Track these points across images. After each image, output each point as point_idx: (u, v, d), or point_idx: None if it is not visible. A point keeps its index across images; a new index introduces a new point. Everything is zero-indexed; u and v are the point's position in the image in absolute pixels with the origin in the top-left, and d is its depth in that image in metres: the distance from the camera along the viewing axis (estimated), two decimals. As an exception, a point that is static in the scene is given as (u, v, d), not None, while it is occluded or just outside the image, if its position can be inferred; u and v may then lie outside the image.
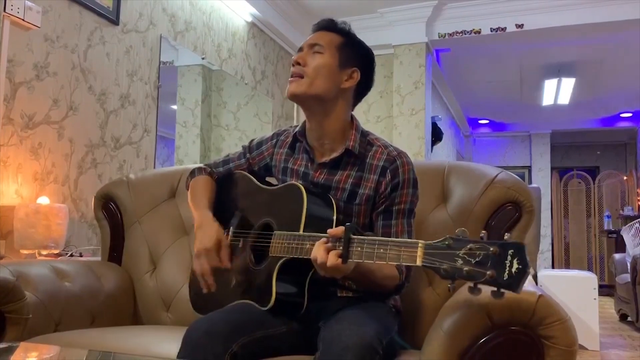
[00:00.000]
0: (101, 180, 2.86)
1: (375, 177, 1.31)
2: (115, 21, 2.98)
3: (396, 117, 4.97)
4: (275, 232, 1.26)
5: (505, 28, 4.73)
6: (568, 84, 6.72)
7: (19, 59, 2.43)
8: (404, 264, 1.00)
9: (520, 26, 4.68)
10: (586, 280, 3.83)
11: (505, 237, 0.90)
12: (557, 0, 4.52)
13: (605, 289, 6.43)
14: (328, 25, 1.37)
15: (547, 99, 7.43)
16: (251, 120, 4.55)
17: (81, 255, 2.50)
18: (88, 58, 2.81)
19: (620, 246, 6.43)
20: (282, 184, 1.38)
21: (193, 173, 1.54)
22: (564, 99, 7.30)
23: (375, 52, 1.43)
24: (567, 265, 8.24)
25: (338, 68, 1.33)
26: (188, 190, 1.52)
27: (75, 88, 2.73)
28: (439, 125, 5.48)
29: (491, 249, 0.89)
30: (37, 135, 2.53)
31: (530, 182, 8.92)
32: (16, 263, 1.67)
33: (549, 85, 6.84)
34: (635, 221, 5.30)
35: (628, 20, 4.41)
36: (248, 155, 1.51)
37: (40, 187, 2.53)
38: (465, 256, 0.91)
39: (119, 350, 1.28)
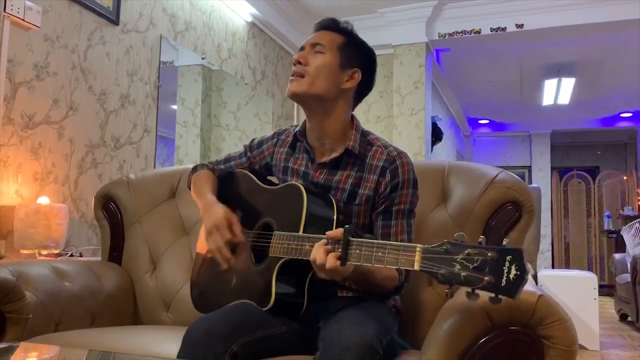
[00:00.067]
0: (101, 180, 2.86)
1: (375, 178, 1.31)
2: (115, 21, 2.98)
3: (396, 117, 4.97)
4: (275, 232, 1.26)
5: (505, 28, 4.73)
6: (568, 84, 6.72)
7: (19, 59, 2.43)
8: (401, 268, 0.99)
9: (520, 26, 4.68)
10: (586, 280, 3.83)
11: (504, 243, 0.90)
12: (557, 0, 4.52)
13: (605, 289, 6.43)
14: (330, 25, 1.37)
15: (547, 99, 7.43)
16: (251, 120, 4.55)
17: (81, 255, 2.50)
18: (88, 58, 2.81)
19: (620, 246, 6.43)
20: (282, 184, 1.38)
21: (195, 169, 1.55)
22: (564, 99, 7.30)
23: (375, 52, 1.43)
24: (567, 265, 8.24)
25: (339, 68, 1.33)
26: (190, 185, 1.53)
27: (75, 88, 2.73)
28: (439, 125, 5.48)
29: (489, 254, 0.88)
30: (37, 135, 2.53)
31: (530, 182, 8.92)
32: (16, 263, 1.67)
33: (549, 85, 6.84)
34: (635, 221, 5.30)
35: (628, 20, 4.41)
36: (249, 154, 1.51)
37: (40, 187, 2.53)
38: (463, 261, 0.91)
39: (119, 350, 1.28)
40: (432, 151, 5.31)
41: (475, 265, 0.89)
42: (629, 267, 4.71)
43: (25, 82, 2.47)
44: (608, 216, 7.95)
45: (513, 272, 0.86)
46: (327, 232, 1.10)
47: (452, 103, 7.48)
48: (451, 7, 4.82)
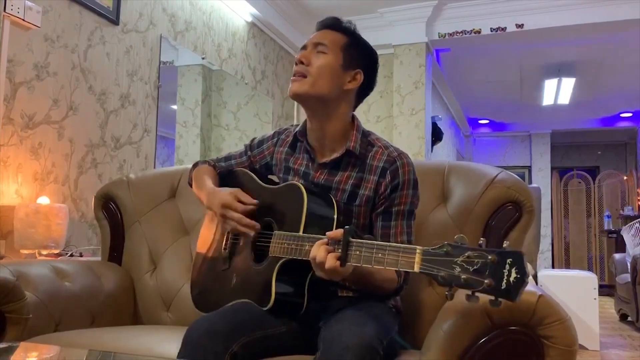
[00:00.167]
0: (101, 180, 2.86)
1: (375, 178, 1.31)
2: (115, 21, 2.98)
3: (396, 117, 4.97)
4: (275, 232, 1.26)
5: (505, 28, 4.73)
6: (568, 84, 6.72)
7: (19, 59, 2.43)
8: (401, 269, 0.99)
9: (520, 26, 4.68)
10: (586, 280, 3.83)
11: (504, 245, 0.90)
12: (557, 0, 4.52)
13: (606, 289, 6.43)
14: (333, 24, 1.36)
15: (547, 99, 7.43)
16: (251, 120, 4.55)
17: (81, 255, 2.50)
18: (88, 58, 2.81)
19: (620, 246, 6.43)
20: (283, 184, 1.38)
21: (196, 165, 1.55)
22: (564, 99, 7.30)
23: (377, 53, 1.42)
24: (567, 265, 8.24)
25: (341, 69, 1.32)
26: (191, 182, 1.53)
27: (75, 88, 2.73)
28: (439, 125, 5.48)
29: (489, 257, 0.88)
30: (37, 135, 2.53)
31: (530, 182, 8.92)
32: (16, 263, 1.67)
33: (549, 85, 6.84)
34: (635, 221, 5.31)
35: (628, 20, 4.41)
36: (249, 153, 1.51)
37: (40, 187, 2.53)
38: (464, 264, 0.90)
39: (119, 350, 1.28)
40: (432, 151, 5.31)
41: (475, 267, 0.89)
42: (629, 267, 4.71)
43: (25, 82, 2.47)
44: (608, 216, 7.95)
45: (513, 275, 0.86)
46: (327, 233, 1.10)
47: (452, 103, 7.48)
48: (451, 7, 4.82)
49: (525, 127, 9.28)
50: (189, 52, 3.71)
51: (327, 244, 1.08)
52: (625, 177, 8.47)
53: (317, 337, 1.14)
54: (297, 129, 1.42)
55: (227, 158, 1.55)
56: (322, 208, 1.27)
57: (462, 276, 0.90)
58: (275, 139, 1.49)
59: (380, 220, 1.31)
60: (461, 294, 0.92)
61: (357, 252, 1.04)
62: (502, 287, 0.86)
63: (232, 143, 4.17)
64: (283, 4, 4.64)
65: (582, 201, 8.44)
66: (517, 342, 1.02)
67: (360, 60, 1.35)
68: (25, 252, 2.28)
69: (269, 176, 1.51)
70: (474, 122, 9.44)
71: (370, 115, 5.19)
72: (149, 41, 3.27)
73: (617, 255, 5.60)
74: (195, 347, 1.10)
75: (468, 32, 4.83)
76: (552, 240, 8.61)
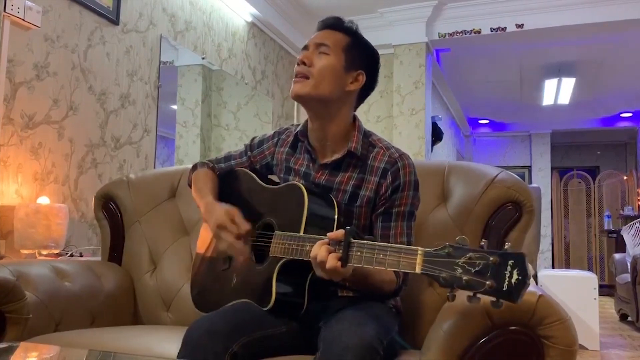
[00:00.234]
0: (101, 180, 2.86)
1: (376, 179, 1.31)
2: (115, 21, 2.98)
3: (396, 117, 4.97)
4: (275, 232, 1.26)
5: (505, 28, 4.73)
6: (568, 84, 6.72)
7: (19, 59, 2.43)
8: (403, 270, 0.99)
9: (520, 26, 4.68)
10: (586, 280, 3.83)
11: (506, 247, 0.90)
12: (557, 0, 4.52)
13: (606, 289, 6.43)
14: (335, 24, 1.35)
15: (547, 99, 7.43)
16: (251, 120, 4.55)
17: (81, 255, 2.50)
18: (88, 58, 2.81)
19: (621, 246, 6.43)
20: (284, 184, 1.38)
21: (195, 167, 1.54)
22: (564, 99, 7.30)
23: (379, 53, 1.42)
24: (567, 265, 8.24)
25: (344, 70, 1.31)
26: (190, 184, 1.53)
27: (75, 88, 2.73)
28: (439, 125, 5.48)
29: (491, 258, 0.88)
30: (37, 135, 2.53)
31: (530, 182, 8.92)
32: (16, 263, 1.67)
33: (549, 85, 6.84)
34: (636, 221, 5.31)
35: (628, 20, 4.41)
36: (249, 153, 1.51)
37: (40, 187, 2.53)
38: (465, 265, 0.90)
39: (119, 350, 1.28)
40: (432, 151, 5.31)
41: (477, 269, 0.89)
42: (629, 267, 4.71)
43: (25, 82, 2.47)
44: (608, 216, 7.95)
45: (515, 276, 0.86)
46: (328, 234, 1.10)
47: (452, 103, 7.48)
48: (451, 7, 4.82)
49: (525, 127, 9.28)
50: (189, 52, 3.71)
51: (328, 244, 1.08)
52: (625, 177, 8.47)
53: (317, 337, 1.14)
54: (298, 129, 1.41)
55: (227, 158, 1.54)
56: (323, 208, 1.26)
57: (464, 277, 0.90)
58: (276, 139, 1.48)
59: (380, 221, 1.30)
60: (462, 295, 0.92)
61: (358, 253, 1.04)
62: (504, 289, 0.86)
63: (232, 143, 4.17)
64: (283, 4, 4.64)
65: (582, 201, 8.44)
66: (517, 342, 1.02)
67: (362, 61, 1.34)
68: (25, 252, 2.28)
69: (269, 176, 1.51)
70: (474, 122, 9.44)
71: (370, 115, 5.19)
72: (149, 41, 3.27)
73: (617, 255, 5.60)
74: (195, 347, 1.10)
75: (468, 32, 4.83)
76: (552, 240, 8.62)
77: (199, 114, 3.90)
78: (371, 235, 1.31)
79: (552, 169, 9.16)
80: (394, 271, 1.22)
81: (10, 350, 1.16)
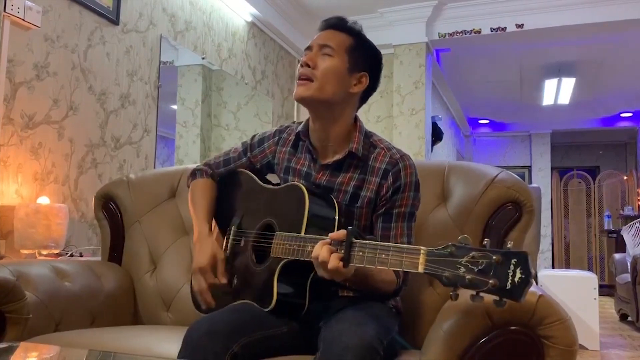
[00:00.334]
0: (101, 180, 2.86)
1: (377, 180, 1.30)
2: (115, 21, 2.98)
3: (396, 117, 4.97)
4: (276, 232, 1.26)
5: (505, 28, 4.73)
6: (568, 84, 6.72)
7: (19, 59, 2.43)
8: (405, 270, 0.99)
9: (520, 26, 4.68)
10: (586, 280, 3.83)
11: (508, 245, 0.90)
12: (557, 0, 4.52)
13: (606, 289, 6.43)
14: (338, 24, 1.35)
15: (547, 99, 7.43)
16: (251, 120, 4.55)
17: (81, 255, 2.50)
18: (88, 58, 2.81)
19: (621, 246, 6.43)
20: (284, 184, 1.38)
21: (194, 174, 1.53)
22: (564, 99, 7.30)
23: (381, 54, 1.42)
24: (567, 265, 8.24)
25: (347, 72, 1.31)
26: (189, 189, 1.52)
27: (75, 88, 2.73)
28: (439, 125, 5.48)
29: (494, 257, 0.88)
30: (37, 135, 2.53)
31: (530, 182, 8.92)
32: (16, 263, 1.67)
33: (549, 85, 6.84)
34: (636, 221, 5.30)
35: (628, 20, 4.41)
36: (249, 153, 1.50)
37: (40, 187, 2.53)
38: (468, 264, 0.90)
39: (119, 350, 1.28)
40: (432, 151, 5.31)
41: (480, 268, 0.89)
42: (629, 267, 4.71)
43: (25, 82, 2.47)
44: (608, 216, 7.95)
45: (518, 275, 0.86)
46: (329, 234, 1.10)
47: (452, 103, 7.48)
48: (451, 7, 4.82)
49: (525, 127, 9.28)
50: (189, 52, 3.71)
51: (330, 245, 1.08)
52: (625, 177, 8.47)
53: (317, 337, 1.14)
54: (300, 128, 1.41)
55: (226, 162, 1.52)
56: (324, 209, 1.26)
57: (467, 276, 0.90)
58: (277, 138, 1.47)
59: (380, 222, 1.30)
60: (464, 294, 0.92)
61: (360, 253, 1.04)
62: (507, 287, 0.86)
63: (232, 143, 4.16)
64: (283, 4, 4.64)
65: (582, 201, 8.44)
66: (517, 342, 1.02)
67: (366, 62, 1.34)
68: (25, 252, 2.28)
69: (269, 175, 1.51)
70: (474, 122, 9.44)
71: (370, 115, 5.19)
72: (149, 41, 3.27)
73: (617, 255, 5.60)
74: (196, 348, 1.10)
75: (468, 32, 4.83)
76: (552, 240, 8.62)
77: (199, 114, 3.90)
78: (372, 235, 1.31)
79: (552, 169, 9.16)
80: (395, 271, 1.22)
81: (10, 350, 1.16)
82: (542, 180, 8.96)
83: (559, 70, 6.35)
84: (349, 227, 1.06)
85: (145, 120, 3.24)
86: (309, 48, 1.34)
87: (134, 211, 1.89)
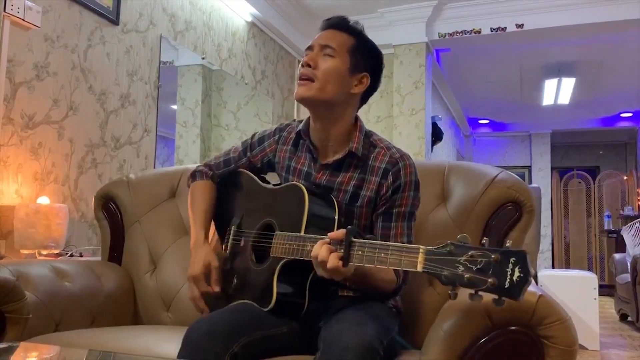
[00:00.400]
0: (101, 180, 2.86)
1: (377, 179, 1.31)
2: (115, 21, 2.98)
3: (396, 117, 4.97)
4: (276, 232, 1.26)
5: (505, 28, 4.73)
6: (568, 84, 6.72)
7: (19, 59, 2.43)
8: (404, 269, 0.99)
9: (520, 26, 4.68)
10: (586, 280, 3.83)
11: (507, 244, 0.90)
12: (557, 0, 4.52)
13: (606, 289, 6.43)
14: (340, 24, 1.34)
15: (547, 99, 7.43)
16: (251, 120, 4.55)
17: (81, 255, 2.50)
18: (88, 58, 2.81)
19: (621, 246, 6.43)
20: (284, 184, 1.38)
21: (194, 176, 1.53)
22: (564, 99, 7.30)
23: (382, 54, 1.41)
24: (567, 265, 8.24)
25: (348, 73, 1.31)
26: (189, 190, 1.52)
27: (75, 88, 2.73)
28: (439, 125, 5.48)
29: (493, 256, 0.88)
30: (37, 135, 2.53)
31: (530, 182, 8.92)
32: (16, 263, 1.67)
33: (549, 85, 6.84)
34: (636, 221, 5.30)
35: (628, 20, 4.41)
36: (249, 153, 1.50)
37: (40, 187, 2.53)
38: (467, 263, 0.90)
39: (119, 350, 1.28)
40: (432, 151, 5.31)
41: (478, 267, 0.89)
42: (629, 267, 4.71)
43: (25, 82, 2.47)
44: (608, 216, 7.95)
45: (516, 274, 0.86)
46: (329, 233, 1.10)
47: (452, 103, 7.48)
48: (451, 7, 4.82)
49: (525, 127, 9.28)
50: (189, 52, 3.71)
51: (329, 244, 1.08)
52: (625, 177, 8.47)
53: (317, 337, 1.14)
54: (300, 127, 1.40)
55: (227, 162, 1.52)
56: (323, 209, 1.26)
57: (466, 275, 0.90)
58: (277, 136, 1.47)
59: (380, 221, 1.30)
60: (464, 294, 0.92)
61: (360, 252, 1.04)
62: (506, 286, 0.87)
63: (232, 143, 4.12)
64: (283, 4, 4.64)
65: (582, 201, 8.44)
66: (517, 342, 1.02)
67: (367, 63, 1.34)
68: (25, 252, 2.28)
69: (269, 174, 1.51)
70: (474, 122, 9.44)
71: (370, 115, 5.19)
72: (149, 41, 3.27)
73: (617, 255, 5.60)
74: (196, 348, 1.10)
75: (468, 32, 4.83)
76: (552, 240, 8.62)
77: (199, 114, 3.90)
78: (372, 235, 1.30)
79: (552, 169, 9.16)
80: (394, 271, 1.22)
81: (10, 350, 1.16)
82: (542, 180, 8.96)
83: (559, 70, 6.35)
84: (349, 227, 1.06)
85: (145, 120, 3.24)
86: (310, 48, 1.33)
87: (134, 211, 1.89)
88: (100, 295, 1.69)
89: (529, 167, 9.37)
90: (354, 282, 1.22)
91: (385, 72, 1.42)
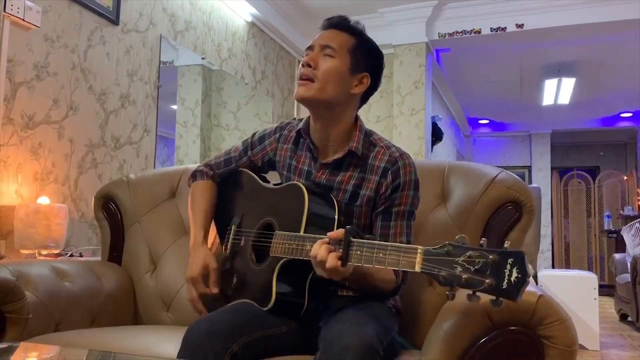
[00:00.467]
0: (101, 180, 2.86)
1: (376, 179, 1.31)
2: (115, 21, 2.98)
3: (396, 117, 4.97)
4: (276, 232, 1.26)
5: (505, 28, 4.73)
6: (568, 84, 6.72)
7: (19, 59, 2.43)
8: (402, 269, 0.99)
9: (520, 26, 4.68)
10: (586, 280, 3.83)
11: (505, 245, 0.90)
12: (557, 0, 4.52)
13: (606, 289, 6.43)
14: (340, 24, 1.34)
15: (547, 99, 7.43)
16: (251, 120, 4.55)
17: (81, 255, 2.50)
18: (88, 58, 2.81)
19: (621, 246, 6.43)
20: (284, 184, 1.38)
21: (194, 176, 1.53)
22: (564, 99, 7.30)
23: (383, 54, 1.41)
24: (567, 265, 8.24)
25: (349, 73, 1.31)
26: (189, 189, 1.53)
27: (75, 88, 2.73)
28: (439, 125, 5.48)
29: (490, 257, 0.88)
30: (37, 135, 2.53)
31: (530, 182, 8.92)
32: (16, 263, 1.67)
33: (549, 85, 6.84)
34: (636, 221, 5.30)
35: (628, 20, 4.41)
36: (250, 152, 1.50)
37: (40, 187, 2.53)
38: (465, 263, 0.90)
39: (119, 350, 1.28)
40: (432, 151, 5.31)
41: (476, 267, 0.89)
42: (629, 267, 4.71)
43: (25, 82, 2.47)
44: (608, 216, 7.95)
45: (514, 274, 0.86)
46: (328, 233, 1.10)
47: (452, 103, 7.48)
48: (451, 7, 4.82)
49: (525, 127, 9.28)
50: (189, 52, 3.71)
51: (328, 244, 1.08)
52: (625, 177, 8.47)
53: (317, 337, 1.14)
54: (300, 126, 1.40)
55: (227, 161, 1.52)
56: (323, 208, 1.26)
57: (463, 276, 0.90)
58: (278, 134, 1.47)
59: (380, 220, 1.30)
60: (462, 295, 0.92)
61: (358, 252, 1.04)
62: (503, 287, 0.86)
63: (232, 143, 4.12)
64: (283, 4, 4.64)
65: (582, 201, 8.44)
66: (517, 342, 1.02)
67: (367, 63, 1.34)
68: (25, 252, 2.28)
69: (269, 174, 1.51)
70: (474, 122, 9.44)
71: (370, 115, 5.19)
72: (149, 41, 3.27)
73: (617, 255, 5.60)
74: (195, 347, 1.10)
75: (468, 32, 4.83)
76: (552, 240, 8.62)
77: (199, 114, 3.90)
78: (371, 234, 1.31)
79: (552, 169, 9.16)
80: (394, 270, 1.22)
81: (10, 350, 1.16)
82: (542, 180, 8.96)
83: (559, 70, 6.35)
84: (347, 226, 1.07)
85: (145, 120, 3.24)
86: (310, 48, 1.33)
87: (134, 211, 1.89)
88: (100, 295, 1.69)
89: (529, 167, 9.37)
90: (353, 281, 1.22)
91: (385, 72, 1.42)
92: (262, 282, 1.25)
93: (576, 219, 8.42)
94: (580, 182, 8.50)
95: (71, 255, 2.41)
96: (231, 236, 1.42)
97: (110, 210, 1.91)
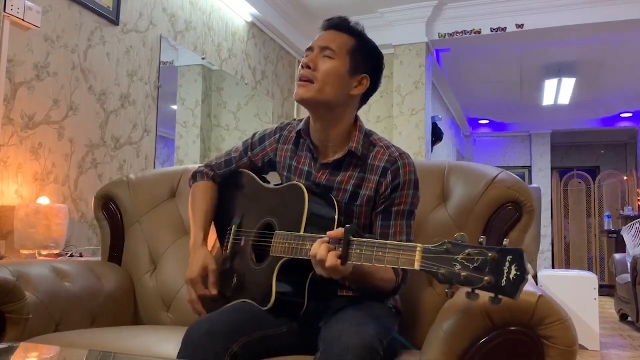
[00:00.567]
0: (101, 180, 2.86)
1: (376, 178, 1.31)
2: (115, 21, 2.98)
3: (396, 117, 4.97)
4: (276, 232, 1.26)
5: (505, 28, 4.73)
6: (568, 84, 6.72)
7: (19, 59, 2.43)
8: (401, 267, 0.99)
9: (520, 26, 4.68)
10: (586, 280, 3.83)
11: (505, 243, 0.90)
12: (557, 0, 4.52)
13: (605, 289, 6.43)
14: (340, 24, 1.34)
15: (547, 99, 7.43)
16: (251, 120, 4.55)
17: (81, 255, 2.50)
18: (88, 58, 2.81)
19: (620, 246, 6.43)
20: (284, 184, 1.38)
21: (195, 177, 1.53)
22: (564, 99, 7.30)
23: (383, 55, 1.41)
24: (567, 265, 8.24)
25: (348, 74, 1.31)
26: (190, 190, 1.53)
27: (75, 88, 2.73)
28: (439, 125, 5.48)
29: (489, 254, 0.88)
30: (37, 135, 2.53)
31: (530, 182, 8.92)
32: (16, 263, 1.67)
33: (549, 85, 6.84)
34: (636, 221, 5.31)
35: (628, 20, 4.41)
36: (250, 153, 1.50)
37: (40, 187, 2.53)
38: (464, 261, 0.90)
39: (119, 350, 1.28)
40: (432, 151, 5.31)
41: (475, 265, 0.89)
42: (629, 267, 4.71)
43: (25, 82, 2.47)
44: (608, 216, 7.95)
45: (513, 272, 0.86)
46: (328, 232, 1.10)
47: (452, 103, 7.48)
48: (451, 7, 4.82)
49: (525, 127, 9.28)
50: (189, 52, 3.71)
51: (328, 243, 1.08)
52: (625, 177, 8.47)
53: (317, 337, 1.14)
54: (300, 126, 1.41)
55: (228, 162, 1.53)
56: (323, 208, 1.27)
57: (462, 273, 0.90)
58: (278, 135, 1.47)
59: (379, 220, 1.31)
60: (462, 294, 0.92)
61: (358, 251, 1.04)
62: (502, 284, 0.87)
63: (232, 143, 4.13)
64: (283, 4, 4.64)
65: (582, 201, 8.44)
66: (517, 342, 1.02)
67: (367, 64, 1.34)
68: (25, 252, 2.28)
69: (269, 174, 1.51)
70: (474, 122, 9.44)
71: (370, 115, 5.19)
72: (149, 41, 3.27)
73: (617, 255, 5.60)
74: (195, 347, 1.10)
75: (468, 32, 4.83)
76: (552, 240, 8.62)
77: (199, 114, 3.90)
78: (371, 234, 1.31)
79: (552, 169, 9.16)
80: (393, 270, 1.22)
81: (10, 350, 1.16)
82: (542, 180, 8.96)
83: (559, 70, 6.35)
84: (347, 225, 1.07)
85: (145, 120, 3.24)
86: (310, 49, 1.34)
87: (134, 211, 1.89)
88: (100, 295, 1.69)
89: (529, 167, 9.37)
90: (353, 281, 1.22)
91: (385, 72, 1.42)
92: (262, 281, 1.26)
93: (576, 219, 8.42)
94: (580, 182, 8.50)
95: (71, 256, 2.41)
96: (231, 236, 1.43)
97: (110, 210, 1.91)
